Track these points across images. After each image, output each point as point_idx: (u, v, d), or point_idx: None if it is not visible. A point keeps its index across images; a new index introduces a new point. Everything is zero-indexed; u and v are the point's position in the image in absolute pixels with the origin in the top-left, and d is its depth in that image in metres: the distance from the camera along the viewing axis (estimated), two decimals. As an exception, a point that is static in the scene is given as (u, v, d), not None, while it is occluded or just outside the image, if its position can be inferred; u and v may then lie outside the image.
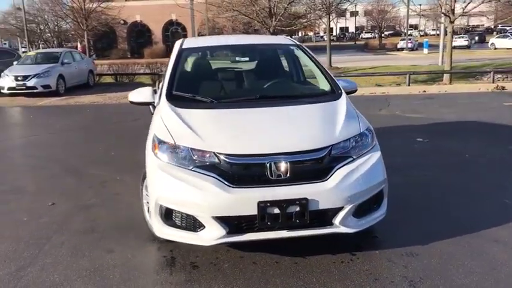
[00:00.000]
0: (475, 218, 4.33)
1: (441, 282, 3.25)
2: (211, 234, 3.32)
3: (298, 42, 4.99)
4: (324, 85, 4.45)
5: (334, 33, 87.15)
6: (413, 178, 5.57)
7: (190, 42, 5.06)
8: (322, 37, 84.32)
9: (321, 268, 3.48)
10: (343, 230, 3.44)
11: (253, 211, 3.24)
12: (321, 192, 3.33)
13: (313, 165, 3.42)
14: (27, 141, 8.84)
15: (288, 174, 3.32)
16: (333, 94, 4.23)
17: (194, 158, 3.41)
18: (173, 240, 3.49)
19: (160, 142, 3.59)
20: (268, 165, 3.31)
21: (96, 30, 33.21)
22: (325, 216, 3.41)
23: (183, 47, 4.85)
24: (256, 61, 4.96)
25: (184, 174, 3.37)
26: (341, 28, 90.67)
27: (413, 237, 3.95)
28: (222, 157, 3.35)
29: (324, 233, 3.45)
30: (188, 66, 4.72)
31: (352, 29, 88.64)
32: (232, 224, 3.33)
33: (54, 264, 3.65)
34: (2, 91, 15.58)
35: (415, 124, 8.93)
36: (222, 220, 3.30)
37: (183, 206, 3.35)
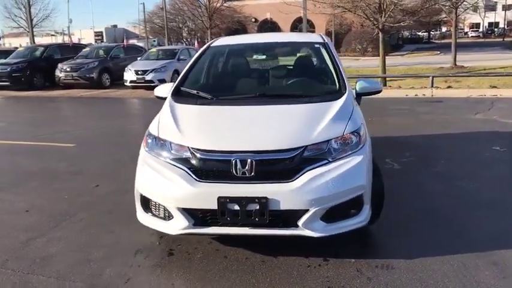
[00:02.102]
0: (492, 237, 3.87)
1: (397, 300, 3.03)
2: (178, 225, 3.47)
3: (326, 41, 4.87)
4: (333, 85, 4.31)
5: (480, 29, 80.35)
6: (457, 189, 5.09)
7: (221, 40, 5.25)
8: (466, 33, 78.34)
9: (283, 269, 3.44)
10: (307, 233, 3.36)
11: (214, 205, 3.33)
12: (283, 193, 3.29)
13: (281, 165, 3.38)
14: (120, 130, 9.80)
15: (253, 173, 3.34)
16: (336, 94, 4.09)
17: (172, 151, 3.59)
18: (151, 227, 3.71)
19: (149, 134, 3.85)
20: (234, 162, 3.36)
21: (218, 29, 34.88)
22: (288, 217, 3.36)
23: (211, 45, 5.06)
24: (276, 59, 4.97)
25: (161, 166, 3.58)
26: (489, 23, 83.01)
27: (406, 249, 3.68)
28: (193, 151, 3.48)
29: (287, 234, 3.41)
30: (207, 63, 4.91)
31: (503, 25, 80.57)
32: (197, 216, 3.45)
33: (59, 238, 4.13)
34: (125, 84, 17.35)
35: (505, 131, 8.02)
36: (188, 212, 3.44)
37: (155, 196, 3.55)
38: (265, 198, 3.27)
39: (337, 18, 39.53)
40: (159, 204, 3.57)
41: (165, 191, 3.46)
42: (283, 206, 3.29)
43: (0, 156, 7.41)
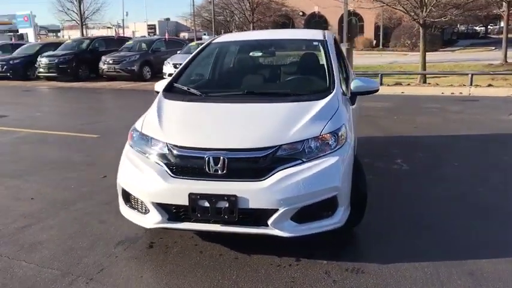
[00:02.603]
0: (479, 246, 3.72)
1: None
2: (153, 219, 3.56)
3: (327, 38, 4.79)
4: (322, 84, 4.24)
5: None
6: (456, 194, 4.90)
7: (224, 37, 5.29)
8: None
9: (253, 268, 3.46)
10: (277, 232, 3.36)
11: (186, 202, 3.39)
12: (252, 191, 3.30)
13: (253, 164, 3.39)
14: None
15: (225, 170, 3.37)
16: (323, 93, 4.02)
17: (152, 146, 3.68)
18: (130, 220, 3.81)
19: (134, 130, 3.96)
20: (207, 159, 3.40)
21: (260, 22, 34.87)
22: (258, 216, 3.37)
23: (213, 41, 5.11)
24: (274, 56, 4.95)
25: (140, 161, 3.67)
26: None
27: (383, 254, 3.61)
28: (170, 148, 3.55)
29: (256, 233, 3.41)
30: (205, 59, 4.95)
31: None
32: (171, 211, 3.52)
33: (53, 225, 4.32)
34: (164, 77, 17.71)
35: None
36: (162, 207, 3.51)
37: (134, 190, 3.65)
38: (235, 196, 3.29)
39: (386, 12, 38.59)
40: (137, 198, 3.67)
41: (142, 185, 3.55)
42: (252, 205, 3.30)
43: (29, 145, 7.77)
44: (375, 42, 45.05)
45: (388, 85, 13.95)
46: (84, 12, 31.13)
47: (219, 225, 3.45)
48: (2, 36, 54.05)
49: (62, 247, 3.88)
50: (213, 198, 3.34)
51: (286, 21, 46.05)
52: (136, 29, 79.09)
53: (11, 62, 20.15)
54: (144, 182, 3.53)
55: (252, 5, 28.30)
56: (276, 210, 3.31)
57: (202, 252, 3.73)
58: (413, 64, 22.56)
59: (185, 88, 4.36)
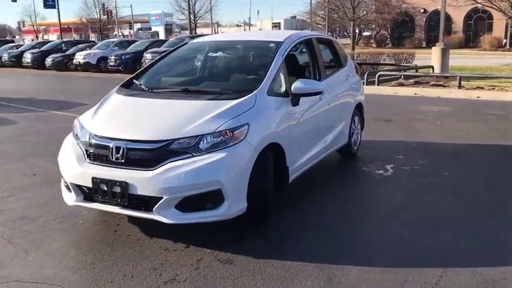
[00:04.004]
0: (371, 254, 3.64)
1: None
2: (72, 197, 4.09)
3: (284, 40, 4.83)
4: (252, 83, 4.35)
5: None
6: (409, 201, 4.70)
7: (200, 38, 5.64)
8: None
9: (142, 249, 3.78)
10: (160, 218, 3.67)
11: (90, 184, 3.85)
12: (140, 180, 3.66)
13: (146, 154, 3.75)
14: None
15: (124, 159, 3.77)
16: (244, 93, 4.17)
17: (83, 134, 4.20)
18: (63, 197, 4.33)
19: (78, 118, 4.50)
20: (111, 147, 3.83)
21: (359, 21, 33.87)
22: (147, 202, 3.70)
23: (189, 41, 5.50)
24: (234, 57, 5.19)
25: (72, 146, 4.22)
26: None
27: (271, 250, 3.71)
28: (90, 136, 4.05)
29: (144, 217, 3.78)
30: (172, 58, 5.29)
31: None
32: (85, 192, 4.01)
33: (27, 197, 5.05)
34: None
35: None
36: (78, 187, 4.02)
37: (62, 170, 4.21)
38: (125, 182, 3.68)
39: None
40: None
41: (66, 167, 4.11)
42: (140, 191, 3.67)
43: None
44: (504, 41, 41.28)
45: (467, 89, 12.97)
46: (198, 12, 33.27)
47: (118, 207, 3.85)
48: (143, 33, 59.78)
49: (17, 215, 4.56)
50: (109, 183, 3.76)
51: (406, 19, 44.18)
52: (263, 27, 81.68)
53: (122, 57, 22.44)
54: (68, 164, 4.08)
55: (353, 3, 27.73)
56: (160, 198, 3.62)
57: (117, 231, 4.15)
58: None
59: (138, 83, 4.80)
